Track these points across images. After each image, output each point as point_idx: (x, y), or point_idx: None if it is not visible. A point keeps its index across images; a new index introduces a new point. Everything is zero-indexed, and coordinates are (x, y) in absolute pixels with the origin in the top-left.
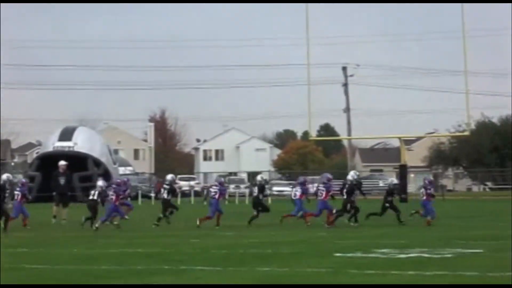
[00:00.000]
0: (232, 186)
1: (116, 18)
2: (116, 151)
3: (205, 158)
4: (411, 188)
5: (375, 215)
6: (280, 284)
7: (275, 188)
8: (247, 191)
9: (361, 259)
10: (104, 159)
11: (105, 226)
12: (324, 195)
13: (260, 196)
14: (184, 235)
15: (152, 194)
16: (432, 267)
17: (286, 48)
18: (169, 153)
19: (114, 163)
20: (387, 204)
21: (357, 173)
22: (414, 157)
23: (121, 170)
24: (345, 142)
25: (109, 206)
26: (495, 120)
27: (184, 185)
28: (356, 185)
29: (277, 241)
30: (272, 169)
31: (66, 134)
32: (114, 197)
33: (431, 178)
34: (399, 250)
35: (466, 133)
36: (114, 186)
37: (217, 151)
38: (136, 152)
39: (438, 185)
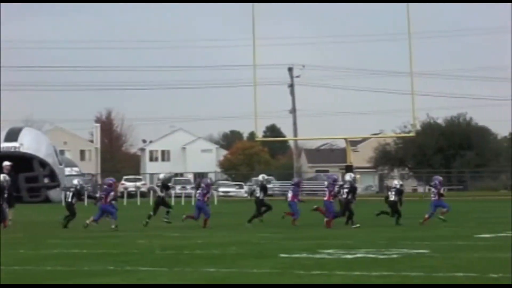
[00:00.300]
0: (178, 187)
1: (60, 19)
2: (62, 152)
3: (151, 159)
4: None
5: (386, 214)
6: (226, 285)
7: (221, 189)
8: (193, 192)
9: (307, 260)
10: (50, 160)
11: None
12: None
13: (261, 196)
14: (130, 236)
15: (97, 195)
16: (378, 268)
17: (232, 49)
18: (115, 154)
19: (60, 164)
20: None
21: (353, 176)
22: (360, 157)
23: (67, 171)
24: (291, 143)
25: (101, 205)
26: (440, 121)
27: (130, 186)
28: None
29: (223, 242)
30: (218, 170)
31: (12, 135)
32: (104, 197)
33: (441, 178)
34: (345, 250)
35: (412, 134)
36: (105, 186)
37: (163, 152)
38: (82, 153)
39: (384, 186)
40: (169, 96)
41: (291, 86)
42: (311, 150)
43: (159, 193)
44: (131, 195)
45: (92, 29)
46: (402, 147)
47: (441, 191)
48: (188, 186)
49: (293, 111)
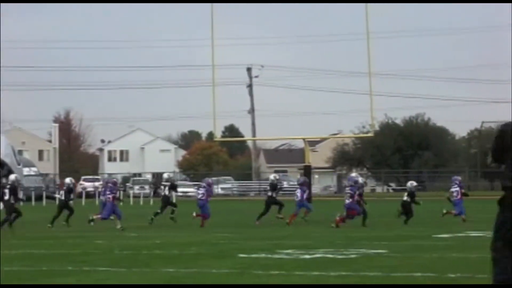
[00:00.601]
0: (136, 187)
1: (19, 18)
2: (20, 152)
3: (109, 159)
4: (316, 189)
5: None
6: (185, 284)
7: (180, 189)
8: (151, 191)
9: (266, 260)
10: (8, 159)
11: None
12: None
13: (274, 194)
14: (89, 236)
15: (57, 195)
16: (336, 268)
17: (191, 49)
18: (74, 154)
19: (18, 164)
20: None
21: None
22: (318, 158)
23: (26, 171)
24: (250, 143)
25: (108, 205)
26: (398, 121)
27: (88, 186)
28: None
29: (182, 242)
30: (177, 170)
31: None
32: (111, 197)
33: (459, 177)
34: (304, 250)
35: (370, 134)
36: (110, 185)
37: (121, 152)
38: (40, 153)
39: (342, 186)
40: (127, 96)
41: (250, 86)
42: (269, 150)
43: (166, 193)
44: (89, 195)
45: (50, 29)
46: (360, 147)
47: (463, 191)
48: (147, 186)
49: (252, 111)
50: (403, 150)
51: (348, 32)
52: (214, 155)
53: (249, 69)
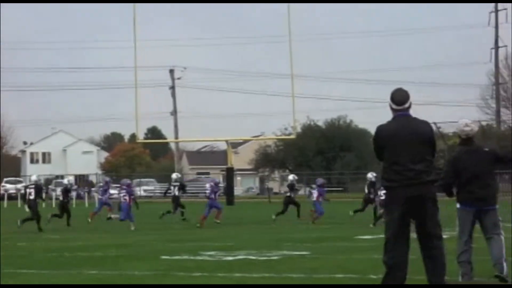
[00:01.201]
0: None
1: None
2: None
3: (32, 161)
4: (238, 191)
5: None
6: (107, 285)
7: None
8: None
9: (189, 262)
10: None
11: None
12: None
13: (292, 194)
14: (11, 238)
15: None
16: (259, 269)
17: (114, 51)
18: None
19: None
20: None
21: (374, 174)
22: (240, 160)
23: None
24: (172, 145)
25: (124, 206)
26: (320, 123)
27: (10, 188)
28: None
29: (105, 244)
30: (100, 172)
31: None
32: (127, 198)
33: (322, 180)
34: (227, 252)
35: (292, 136)
36: (125, 187)
37: (44, 154)
38: None
39: (264, 188)
40: (50, 97)
41: (172, 88)
42: (192, 152)
43: (176, 193)
44: (11, 197)
45: None
46: (282, 149)
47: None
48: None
49: (174, 113)
50: (325, 152)
51: (272, 34)
52: (136, 157)
53: (171, 71)
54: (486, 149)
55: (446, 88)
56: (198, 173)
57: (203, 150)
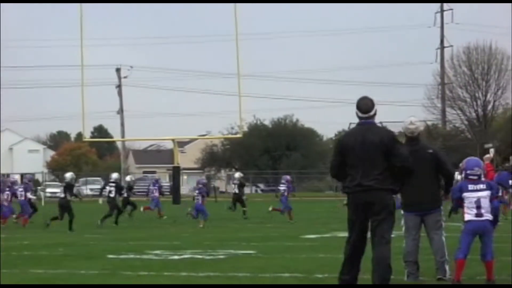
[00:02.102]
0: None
1: None
2: None
3: None
4: (184, 189)
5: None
6: (53, 284)
7: (48, 190)
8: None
9: (135, 261)
10: None
11: None
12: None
13: (237, 191)
14: None
15: None
16: (205, 268)
17: (60, 49)
18: None
19: None
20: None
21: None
22: (187, 159)
23: None
24: (119, 144)
25: (198, 204)
26: (267, 122)
27: None
28: None
29: (51, 243)
30: (46, 170)
31: None
32: (200, 197)
33: (288, 177)
34: (173, 251)
35: (239, 135)
36: (200, 185)
37: None
38: None
39: (210, 187)
40: None
41: (119, 86)
42: (138, 151)
43: (112, 194)
44: None
45: None
46: (229, 148)
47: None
48: (16, 187)
49: (121, 111)
50: (272, 151)
51: (218, 33)
52: (83, 155)
53: (118, 70)
54: (430, 151)
55: (392, 88)
56: (145, 172)
57: (149, 149)
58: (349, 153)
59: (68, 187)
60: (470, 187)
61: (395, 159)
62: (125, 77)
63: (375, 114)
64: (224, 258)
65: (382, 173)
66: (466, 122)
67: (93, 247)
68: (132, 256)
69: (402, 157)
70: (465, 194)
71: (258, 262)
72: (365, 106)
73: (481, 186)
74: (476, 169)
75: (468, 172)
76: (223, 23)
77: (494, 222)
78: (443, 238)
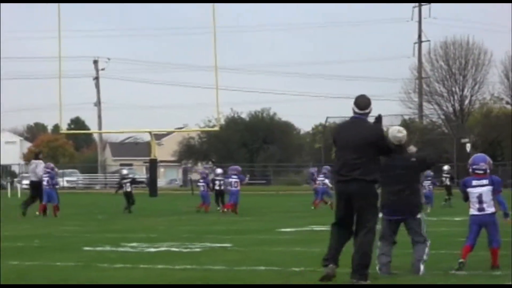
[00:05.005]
0: None
1: None
2: None
3: None
4: (161, 182)
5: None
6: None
7: (25, 182)
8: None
9: (111, 253)
10: None
11: None
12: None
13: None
14: None
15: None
16: (181, 261)
17: (38, 41)
18: None
19: None
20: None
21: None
22: (164, 151)
23: None
24: (96, 136)
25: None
26: (244, 115)
27: None
28: None
29: (27, 235)
30: (23, 162)
31: None
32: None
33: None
34: (149, 244)
35: (216, 128)
36: (240, 175)
37: None
38: None
39: (187, 180)
40: None
41: (97, 78)
42: (115, 144)
43: (128, 189)
44: None
45: None
46: (206, 141)
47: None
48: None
49: (98, 103)
50: (249, 144)
51: (196, 26)
52: (60, 147)
53: (95, 62)
54: (413, 159)
55: (369, 82)
56: (122, 165)
57: (126, 141)
58: (338, 145)
59: (133, 181)
60: (474, 182)
61: (382, 150)
62: (102, 69)
63: (369, 112)
64: (200, 251)
65: (367, 164)
66: (443, 117)
67: (69, 239)
68: (108, 248)
69: (389, 148)
70: (469, 190)
71: (234, 255)
72: (362, 103)
73: (484, 181)
74: (482, 164)
75: (474, 167)
76: (201, 16)
77: (506, 214)
78: (426, 244)
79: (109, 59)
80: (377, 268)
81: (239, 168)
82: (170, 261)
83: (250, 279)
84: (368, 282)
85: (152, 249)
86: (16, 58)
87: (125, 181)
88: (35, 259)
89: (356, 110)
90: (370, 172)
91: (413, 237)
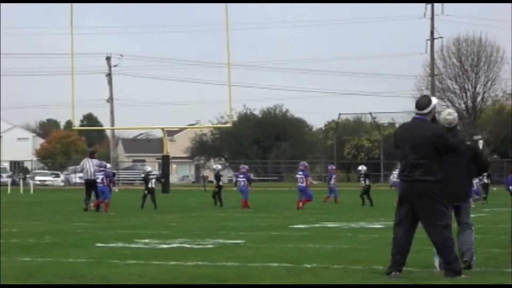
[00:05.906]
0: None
1: None
2: None
3: None
4: (173, 179)
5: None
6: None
7: (37, 178)
8: (9, 180)
9: (123, 249)
10: None
11: None
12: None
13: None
14: None
15: None
16: (193, 257)
17: (51, 37)
18: None
19: None
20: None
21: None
22: (176, 148)
23: None
24: (108, 132)
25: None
26: (257, 112)
27: None
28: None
29: (39, 231)
30: (35, 158)
31: None
32: (246, 182)
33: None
34: (161, 240)
35: (229, 124)
36: (244, 172)
37: None
38: None
39: (200, 176)
40: None
41: (109, 75)
42: (128, 140)
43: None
44: None
45: None
46: (219, 138)
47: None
48: (4, 175)
49: (111, 100)
50: (261, 141)
51: (210, 23)
52: (72, 144)
53: (108, 58)
54: (468, 143)
55: (382, 79)
56: (134, 161)
57: (139, 137)
58: (401, 145)
59: (157, 178)
60: None
61: (445, 148)
62: (115, 66)
63: (429, 112)
64: (212, 248)
65: (428, 164)
66: None
67: (81, 235)
68: (120, 244)
69: (450, 147)
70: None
71: (246, 251)
72: (421, 104)
73: None
74: None
75: None
76: (214, 13)
77: None
78: (472, 228)
79: (121, 55)
80: (435, 264)
81: (244, 169)
82: (182, 257)
83: (262, 276)
84: (463, 276)
85: (164, 246)
86: (29, 54)
87: (150, 177)
88: (47, 256)
89: (415, 110)
90: (432, 172)
91: (461, 222)
